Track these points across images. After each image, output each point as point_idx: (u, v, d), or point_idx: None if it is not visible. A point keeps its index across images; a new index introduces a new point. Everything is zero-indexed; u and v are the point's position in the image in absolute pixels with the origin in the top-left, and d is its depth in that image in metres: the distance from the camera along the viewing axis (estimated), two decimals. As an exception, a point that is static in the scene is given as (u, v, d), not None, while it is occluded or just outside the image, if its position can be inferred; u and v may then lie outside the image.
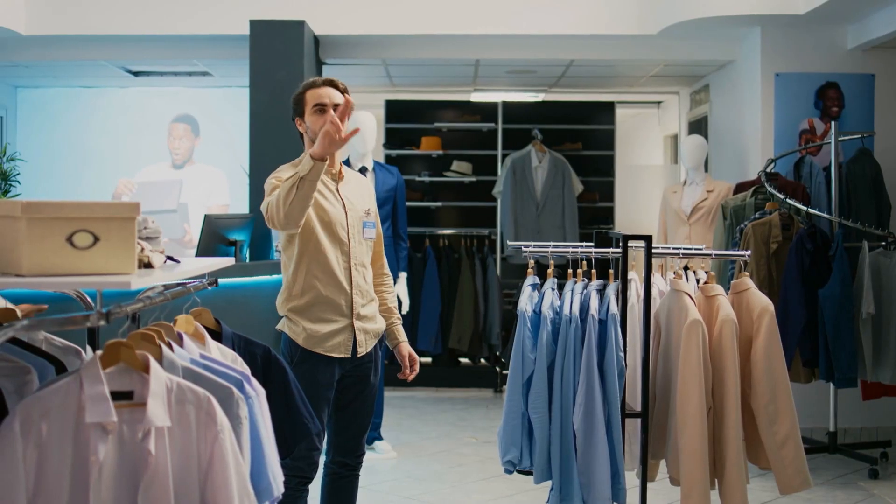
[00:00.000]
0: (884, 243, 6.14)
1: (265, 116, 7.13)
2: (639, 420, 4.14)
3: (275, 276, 5.64)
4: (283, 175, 3.75)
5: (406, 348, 4.10)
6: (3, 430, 2.12)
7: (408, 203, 7.56)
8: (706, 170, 8.15)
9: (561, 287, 4.22)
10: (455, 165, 9.69)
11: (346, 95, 3.72)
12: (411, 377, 4.11)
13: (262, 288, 5.81)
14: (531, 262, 4.35)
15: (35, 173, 9.66)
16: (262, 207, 3.69)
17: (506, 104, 9.77)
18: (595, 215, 9.67)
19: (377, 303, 4.01)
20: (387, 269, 4.14)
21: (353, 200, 3.90)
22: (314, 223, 3.76)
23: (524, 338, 4.07)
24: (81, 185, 10.07)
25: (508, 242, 4.90)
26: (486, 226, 9.56)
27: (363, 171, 6.47)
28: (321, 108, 3.79)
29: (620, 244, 4.13)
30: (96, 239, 2.31)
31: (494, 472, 6.08)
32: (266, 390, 2.63)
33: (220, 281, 3.22)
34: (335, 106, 3.78)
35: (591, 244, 4.50)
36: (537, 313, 4.08)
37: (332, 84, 3.86)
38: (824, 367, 6.05)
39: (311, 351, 3.78)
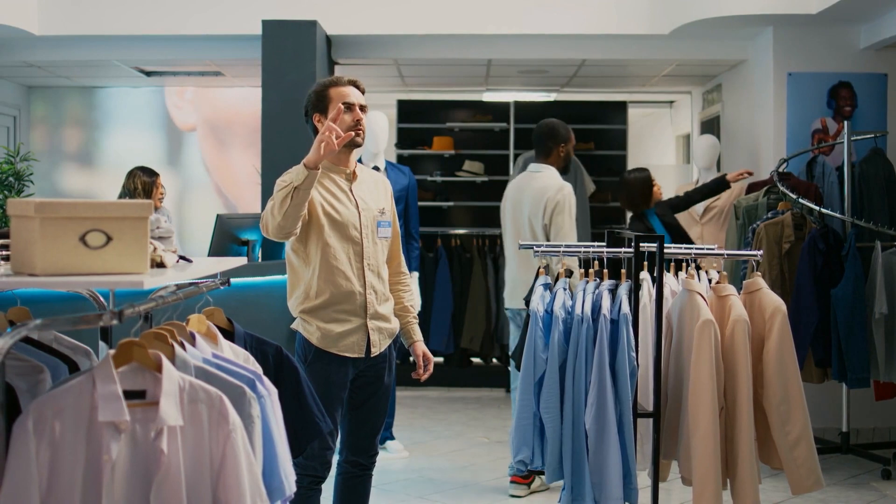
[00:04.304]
0: (896, 243, 6.12)
1: (277, 116, 7.13)
2: (651, 420, 4.13)
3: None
4: (287, 178, 3.75)
5: (421, 347, 4.10)
6: (16, 428, 2.13)
7: (420, 203, 7.56)
8: (718, 169, 8.13)
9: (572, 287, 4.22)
10: (467, 165, 9.69)
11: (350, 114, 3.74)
12: (425, 377, 4.11)
13: (274, 287, 5.82)
14: (542, 262, 4.35)
15: (48, 173, 9.72)
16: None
17: (518, 104, 9.77)
18: (607, 215, 9.66)
19: (392, 302, 4.01)
20: (404, 268, 4.13)
21: (366, 200, 3.90)
22: (326, 224, 3.76)
23: (536, 338, 4.07)
24: (94, 184, 10.12)
25: (520, 242, 4.91)
26: (498, 226, 9.48)
27: (375, 170, 6.47)
28: (347, 107, 3.81)
29: (632, 244, 4.13)
30: (109, 238, 2.32)
31: (506, 472, 6.08)
32: (278, 389, 2.63)
33: (233, 280, 3.22)
34: (361, 107, 3.84)
35: (603, 244, 4.50)
36: (549, 313, 4.08)
37: (355, 84, 3.89)
38: (837, 367, 6.03)
39: (325, 351, 3.78)
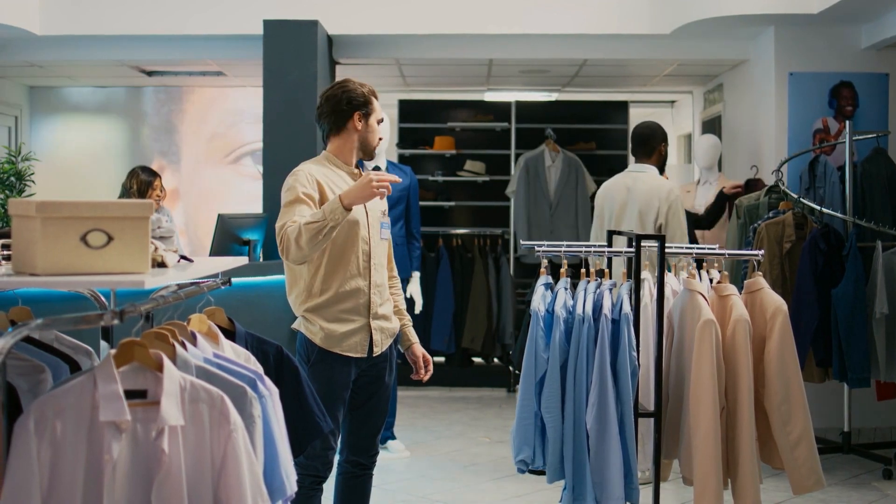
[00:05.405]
0: (898, 243, 6.11)
1: (279, 116, 7.13)
2: (652, 420, 4.14)
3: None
4: (303, 180, 3.75)
5: (419, 349, 4.11)
6: (17, 428, 2.13)
7: (421, 203, 7.56)
8: (720, 169, 8.13)
9: (574, 286, 4.22)
10: (468, 165, 9.69)
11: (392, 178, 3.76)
12: (426, 378, 4.12)
13: (275, 287, 5.82)
14: (544, 262, 4.35)
15: (49, 173, 9.71)
16: (277, 228, 3.69)
17: (519, 104, 9.76)
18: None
19: (391, 303, 4.02)
20: (395, 272, 4.15)
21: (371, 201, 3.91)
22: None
23: (537, 337, 4.07)
24: (95, 184, 10.11)
25: (522, 242, 4.92)
26: (500, 225, 9.56)
27: (376, 170, 6.47)
28: (380, 122, 4.04)
29: (633, 244, 4.13)
30: (110, 238, 2.32)
31: (507, 472, 6.08)
32: (279, 389, 2.63)
33: (234, 280, 3.23)
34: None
35: (605, 244, 4.49)
36: (550, 313, 4.08)
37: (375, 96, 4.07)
38: (837, 367, 6.03)
39: (328, 351, 3.79)
